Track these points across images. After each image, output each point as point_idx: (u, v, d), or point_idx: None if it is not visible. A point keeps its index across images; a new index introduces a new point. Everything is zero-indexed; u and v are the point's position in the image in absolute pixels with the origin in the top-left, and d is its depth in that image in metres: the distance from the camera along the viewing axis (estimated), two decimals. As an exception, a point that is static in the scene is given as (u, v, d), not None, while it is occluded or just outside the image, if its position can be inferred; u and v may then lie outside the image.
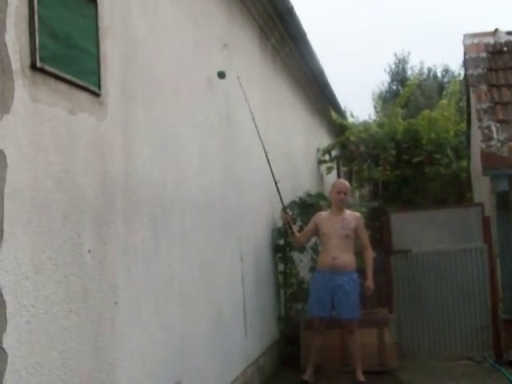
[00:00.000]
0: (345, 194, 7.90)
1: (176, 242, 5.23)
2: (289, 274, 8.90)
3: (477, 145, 9.50)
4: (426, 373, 8.07)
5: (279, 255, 8.76)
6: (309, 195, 9.09)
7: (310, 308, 8.03)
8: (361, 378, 7.65)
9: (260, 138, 7.35)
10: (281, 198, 7.85)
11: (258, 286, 7.78)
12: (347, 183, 8.17)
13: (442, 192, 13.38)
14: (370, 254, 7.96)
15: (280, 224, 8.75)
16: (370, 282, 7.81)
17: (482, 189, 9.82)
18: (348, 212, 7.97)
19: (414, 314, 9.13)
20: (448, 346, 9.06)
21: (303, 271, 9.08)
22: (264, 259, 8.27)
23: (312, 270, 8.81)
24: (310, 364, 7.87)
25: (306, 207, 8.84)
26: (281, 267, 8.87)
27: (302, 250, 8.69)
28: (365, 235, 8.02)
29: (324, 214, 8.07)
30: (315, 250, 8.90)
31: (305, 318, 8.61)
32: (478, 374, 8.08)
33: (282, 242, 8.74)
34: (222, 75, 6.34)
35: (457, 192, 13.57)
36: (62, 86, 3.59)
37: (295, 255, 8.86)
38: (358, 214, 8.08)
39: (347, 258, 7.75)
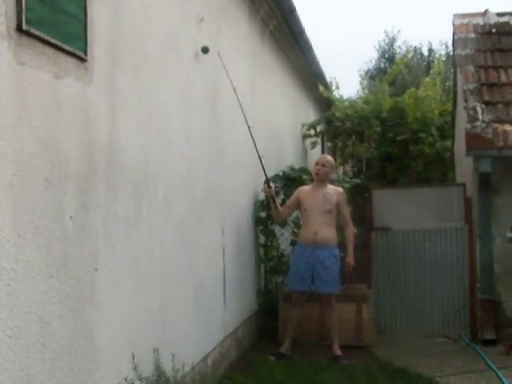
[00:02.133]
0: (322, 165, 7.88)
1: (158, 210, 5.23)
2: (269, 247, 8.92)
3: (461, 125, 9.52)
4: (403, 349, 8.15)
5: (260, 228, 8.77)
6: (292, 169, 9.09)
7: (289, 281, 8.07)
8: (337, 352, 7.72)
9: (242, 110, 7.31)
10: (265, 172, 7.86)
11: (238, 258, 7.80)
12: (329, 157, 8.16)
13: (426, 171, 13.45)
14: (350, 230, 7.99)
15: (262, 197, 8.77)
16: (350, 258, 7.85)
17: (465, 169, 9.86)
18: (330, 187, 7.98)
19: (392, 291, 9.20)
20: (425, 324, 9.16)
21: (284, 244, 9.11)
22: (245, 232, 8.28)
23: (293, 243, 8.85)
24: (287, 337, 7.93)
25: (290, 181, 8.84)
26: (262, 240, 8.89)
27: (283, 224, 8.70)
28: (346, 211, 8.03)
29: (306, 188, 8.07)
30: (296, 224, 8.91)
31: (284, 291, 8.66)
32: (453, 351, 8.19)
33: (263, 214, 8.75)
34: (205, 50, 6.31)
35: (440, 171, 13.64)
36: (48, 50, 3.55)
37: (276, 228, 8.87)
38: (340, 189, 8.07)
39: (328, 233, 7.77)
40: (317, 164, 7.91)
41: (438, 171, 13.67)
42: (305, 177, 8.89)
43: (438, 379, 6.87)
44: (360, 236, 8.84)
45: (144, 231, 4.91)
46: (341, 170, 14.15)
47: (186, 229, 5.91)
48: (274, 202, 7.94)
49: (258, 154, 7.66)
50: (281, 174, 8.94)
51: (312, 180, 8.49)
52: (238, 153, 7.87)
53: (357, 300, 8.38)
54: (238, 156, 7.91)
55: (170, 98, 5.57)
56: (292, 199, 8.04)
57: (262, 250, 8.90)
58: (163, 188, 5.34)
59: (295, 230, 8.91)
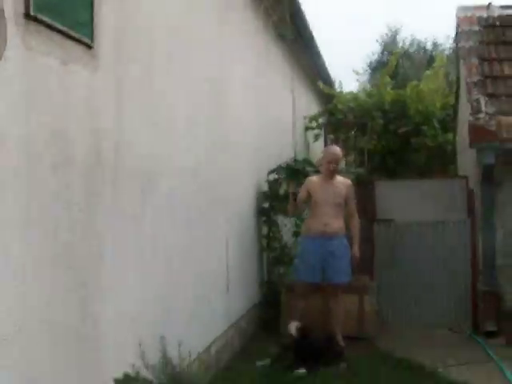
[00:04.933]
0: (335, 163, 7.86)
1: (162, 201, 5.23)
2: (272, 238, 8.93)
3: (464, 118, 9.52)
4: (404, 341, 8.15)
5: (263, 219, 8.78)
6: (295, 161, 9.10)
7: (298, 273, 7.93)
8: (341, 342, 7.72)
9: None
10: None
11: (241, 249, 7.81)
12: (338, 151, 8.03)
13: (427, 164, 13.44)
14: (356, 222, 7.99)
15: (265, 188, 8.77)
16: (356, 251, 7.85)
17: (467, 162, 9.85)
18: (339, 179, 7.91)
19: (394, 283, 9.20)
20: (427, 316, 9.15)
21: (286, 235, 9.11)
22: (248, 223, 8.30)
23: (296, 234, 8.86)
24: (293, 320, 7.90)
25: (293, 172, 8.84)
26: (264, 231, 8.89)
27: (299, 215, 8.71)
28: (353, 203, 8.00)
29: (315, 179, 7.96)
30: (299, 216, 8.93)
31: (286, 282, 8.66)
32: (455, 343, 8.21)
33: (266, 205, 8.76)
34: None
35: (441, 165, 13.63)
36: (55, 36, 3.55)
37: (279, 219, 8.88)
38: (349, 182, 8.02)
39: (338, 224, 7.77)
40: (330, 163, 7.80)
41: (439, 164, 13.66)
42: (308, 168, 8.89)
43: (440, 370, 6.88)
44: (362, 228, 8.80)
45: (148, 222, 4.92)
46: (343, 161, 14.13)
47: (190, 220, 5.92)
48: (295, 199, 7.89)
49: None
50: (284, 165, 8.93)
51: (316, 172, 8.51)
52: (241, 144, 7.87)
53: (359, 291, 8.37)
54: (242, 147, 7.91)
55: (175, 90, 5.57)
56: (304, 192, 7.89)
57: (264, 241, 8.90)
58: (168, 177, 5.35)
59: (297, 221, 8.91)
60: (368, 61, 32.36)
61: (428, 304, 9.16)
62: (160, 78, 5.20)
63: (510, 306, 8.58)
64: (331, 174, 7.82)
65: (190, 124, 5.99)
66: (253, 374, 6.60)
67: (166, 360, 3.87)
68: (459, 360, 7.38)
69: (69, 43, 3.70)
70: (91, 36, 3.96)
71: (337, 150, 8.14)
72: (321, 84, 13.67)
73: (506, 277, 8.65)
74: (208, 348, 6.36)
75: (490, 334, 8.36)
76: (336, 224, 7.74)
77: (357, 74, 26.53)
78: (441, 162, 13.61)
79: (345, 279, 7.82)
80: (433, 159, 13.47)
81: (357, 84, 27.58)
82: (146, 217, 4.88)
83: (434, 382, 6.58)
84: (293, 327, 7.15)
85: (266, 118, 9.20)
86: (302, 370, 6.81)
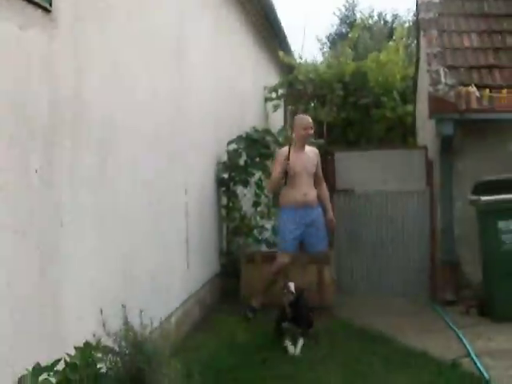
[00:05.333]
0: (311, 128, 7.82)
1: (123, 168, 5.17)
2: (232, 208, 8.90)
3: (424, 89, 9.56)
4: (363, 310, 8.21)
5: (223, 189, 8.74)
6: (255, 131, 9.04)
7: (282, 245, 7.87)
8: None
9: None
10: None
11: (201, 219, 7.77)
12: (310, 118, 8.05)
13: (387, 136, 13.48)
14: (325, 189, 8.04)
15: (225, 158, 8.72)
16: (331, 217, 7.93)
17: (427, 133, 9.91)
18: (308, 148, 7.88)
19: (354, 253, 9.26)
20: (386, 285, 9.24)
21: (246, 206, 9.09)
22: (208, 193, 8.26)
23: (255, 204, 8.86)
24: (259, 293, 7.93)
25: (252, 142, 8.80)
26: (224, 201, 8.86)
27: (245, 184, 8.68)
28: (320, 170, 8.04)
29: (287, 150, 7.79)
30: (259, 186, 8.92)
31: (246, 252, 8.68)
32: (414, 311, 8.33)
33: (226, 176, 8.72)
34: None
35: (401, 136, 13.69)
36: (14, 1, 3.47)
37: (239, 190, 8.85)
38: (316, 150, 8.01)
39: (314, 193, 7.81)
40: (306, 128, 7.73)
41: (398, 136, 13.72)
42: (268, 138, 8.86)
43: (398, 338, 6.94)
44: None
45: (108, 188, 4.87)
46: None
47: (150, 188, 5.87)
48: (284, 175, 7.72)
49: None
50: (244, 135, 8.88)
51: (275, 142, 8.52)
52: (202, 114, 7.81)
53: (318, 262, 8.39)
54: (202, 117, 7.85)
55: (135, 55, 5.49)
56: (282, 164, 7.71)
57: (224, 211, 8.87)
58: (128, 146, 5.29)
59: (257, 191, 8.91)
60: (327, 33, 32.35)
61: (388, 274, 9.25)
62: (119, 38, 5.12)
63: (467, 276, 8.71)
64: (306, 141, 7.79)
65: (151, 92, 5.92)
66: (214, 343, 6.60)
67: (127, 328, 3.83)
68: (418, 328, 7.47)
69: (27, 7, 3.61)
70: (49, 0, 3.88)
71: (307, 116, 8.19)
72: (281, 54, 13.60)
73: (464, 247, 8.76)
74: (168, 318, 6.33)
75: (448, 303, 8.48)
76: (313, 193, 7.80)
77: (321, 43, 26.54)
78: (401, 134, 13.67)
79: (325, 247, 7.96)
80: (393, 131, 13.52)
81: (320, 55, 27.58)
82: (106, 182, 4.83)
83: (392, 349, 6.65)
84: (292, 286, 6.92)
85: (226, 88, 9.14)
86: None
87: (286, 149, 7.87)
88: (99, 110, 4.68)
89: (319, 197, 7.91)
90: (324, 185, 8.03)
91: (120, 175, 5.10)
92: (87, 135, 4.47)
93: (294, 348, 6.62)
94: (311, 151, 7.90)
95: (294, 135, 7.90)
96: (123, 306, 3.82)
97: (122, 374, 3.81)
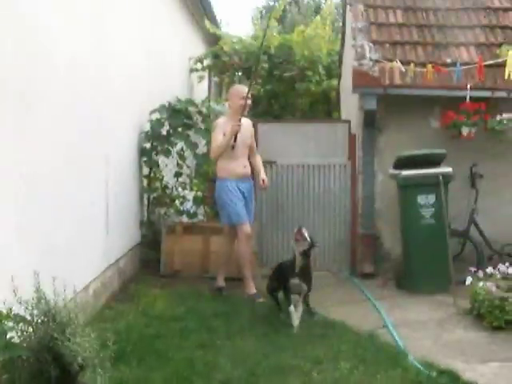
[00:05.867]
0: (248, 99, 7.71)
1: (38, 134, 5.02)
2: (153, 179, 8.77)
3: (349, 63, 9.60)
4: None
5: (144, 159, 8.60)
6: (178, 100, 8.90)
7: (234, 216, 7.70)
8: (253, 290, 7.73)
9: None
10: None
11: (121, 189, 7.63)
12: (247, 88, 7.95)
13: (311, 109, 13.54)
14: (259, 158, 8.04)
15: (147, 128, 8.58)
16: (264, 175, 7.91)
17: (350, 107, 9.96)
18: (244, 120, 7.75)
19: (275, 225, 9.26)
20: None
21: (168, 176, 8.98)
22: (129, 162, 8.11)
23: (177, 175, 8.77)
24: (220, 271, 7.92)
25: (175, 112, 8.68)
26: (145, 171, 8.72)
27: (167, 154, 8.58)
28: (254, 142, 8.04)
29: (224, 121, 7.75)
30: (181, 156, 8.81)
31: (166, 222, 8.61)
32: (333, 284, 8.48)
33: (147, 145, 8.58)
34: None
35: (325, 110, 13.77)
36: None
37: (160, 160, 8.73)
38: (250, 121, 7.98)
39: (249, 166, 7.83)
40: (243, 98, 7.63)
41: (323, 110, 13.79)
42: (190, 108, 8.75)
43: (318, 309, 6.99)
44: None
45: (26, 151, 4.72)
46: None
47: (69, 155, 5.72)
48: (235, 139, 7.61)
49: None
50: (166, 104, 8.75)
51: (200, 112, 8.47)
52: (124, 82, 7.64)
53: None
54: (125, 85, 7.68)
55: (55, 17, 5.32)
56: (219, 134, 7.62)
57: (145, 181, 8.74)
58: (45, 110, 5.14)
59: (179, 161, 8.81)
60: (259, 5, 32.23)
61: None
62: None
63: (386, 249, 8.85)
64: (244, 112, 7.70)
65: (69, 56, 5.76)
66: (133, 313, 6.52)
67: (39, 295, 3.73)
68: (337, 300, 7.55)
69: None
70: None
71: (244, 86, 8.22)
72: (207, 24, 13.43)
73: (383, 220, 8.89)
74: (86, 288, 6.24)
75: (367, 276, 8.60)
76: (249, 165, 7.82)
77: (251, 17, 26.34)
78: (326, 108, 13.74)
79: (253, 220, 8.01)
80: (317, 105, 13.58)
81: (251, 28, 27.43)
82: (24, 144, 4.68)
83: (312, 321, 6.69)
84: (306, 232, 6.60)
85: (151, 57, 8.96)
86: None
87: (222, 120, 7.84)
88: (18, 67, 4.54)
89: (255, 167, 7.92)
90: (258, 155, 8.05)
91: (37, 140, 4.95)
92: (3, 92, 4.32)
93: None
94: (246, 122, 7.84)
95: (229, 106, 7.83)
96: (35, 274, 3.71)
97: (33, 344, 3.72)
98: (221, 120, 7.87)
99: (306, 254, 6.55)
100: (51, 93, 5.26)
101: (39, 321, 3.74)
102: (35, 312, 3.72)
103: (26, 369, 3.66)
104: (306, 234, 6.54)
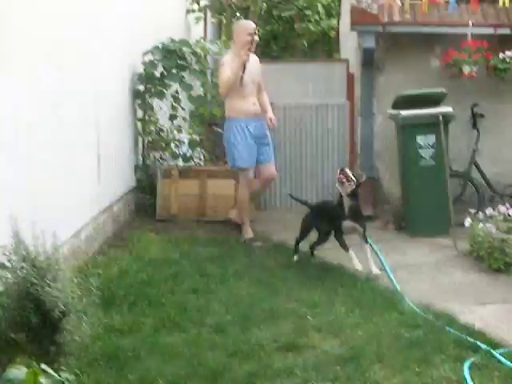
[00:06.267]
0: (255, 34, 7.49)
1: (22, 78, 4.85)
2: (147, 122, 8.57)
3: (348, 2, 9.36)
4: (282, 225, 8.08)
5: (138, 102, 8.40)
6: (172, 41, 8.65)
7: (238, 160, 7.58)
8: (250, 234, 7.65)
9: None
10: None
11: (113, 132, 7.45)
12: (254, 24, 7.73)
13: (312, 50, 13.33)
14: (267, 97, 7.84)
15: (141, 70, 8.36)
16: (271, 114, 7.73)
17: (349, 47, 9.75)
18: (251, 55, 7.54)
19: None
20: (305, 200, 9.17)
21: (163, 119, 8.79)
22: (122, 105, 7.92)
23: (172, 117, 8.58)
24: (245, 222, 7.72)
25: (169, 53, 8.43)
26: (140, 114, 8.53)
27: (161, 97, 8.37)
28: (261, 79, 7.80)
29: (229, 58, 7.50)
30: (176, 98, 8.61)
31: (163, 167, 8.45)
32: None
33: (141, 88, 8.38)
34: None
35: (326, 51, 13.56)
36: None
37: (155, 102, 8.53)
38: (257, 58, 7.78)
39: (258, 104, 7.63)
40: (250, 34, 7.40)
41: (323, 50, 13.58)
42: (185, 49, 8.51)
43: (315, 252, 6.88)
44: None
45: (6, 94, 4.55)
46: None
47: (56, 96, 5.54)
48: (243, 70, 7.38)
49: None
50: (160, 45, 8.50)
51: (194, 53, 8.25)
52: (116, 18, 7.40)
53: (236, 176, 8.23)
54: (116, 22, 7.44)
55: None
56: (236, 71, 7.34)
57: (139, 125, 8.55)
58: (29, 55, 4.95)
59: (174, 104, 8.61)
60: None
61: (306, 188, 9.18)
62: None
63: (386, 192, 8.72)
64: (251, 48, 7.47)
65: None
66: (126, 259, 6.41)
67: (17, 240, 3.60)
68: (334, 242, 7.41)
69: None
70: None
71: (250, 21, 7.93)
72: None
73: (383, 162, 8.74)
74: (77, 233, 6.12)
75: (367, 218, 8.44)
76: (259, 103, 7.62)
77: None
78: (326, 49, 13.52)
79: (274, 158, 7.87)
80: (318, 45, 13.36)
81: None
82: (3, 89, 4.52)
83: (309, 264, 6.61)
84: (350, 172, 6.42)
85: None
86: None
87: (228, 56, 7.60)
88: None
89: (262, 106, 7.73)
90: (265, 93, 7.84)
91: (19, 86, 4.78)
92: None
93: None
94: (254, 59, 7.63)
95: (235, 43, 7.58)
96: (11, 217, 3.58)
97: (13, 290, 3.61)
98: (227, 57, 7.67)
99: (354, 194, 6.38)
100: (35, 28, 5.06)
101: (19, 267, 3.61)
102: (13, 257, 3.60)
103: (5, 316, 3.55)
104: (351, 174, 6.36)
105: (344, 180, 6.33)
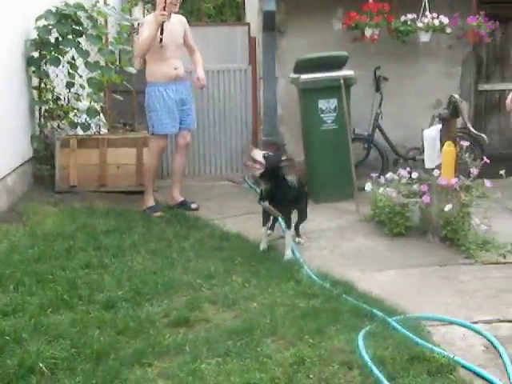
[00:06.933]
0: None
1: None
2: (44, 90, 8.23)
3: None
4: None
5: (33, 69, 8.03)
6: (66, 5, 8.26)
7: (158, 126, 7.30)
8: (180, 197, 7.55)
9: None
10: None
11: (6, 101, 7.14)
12: None
13: (220, 15, 13.12)
14: (199, 56, 7.59)
15: (34, 35, 8.00)
16: (201, 73, 7.49)
17: (251, 10, 9.57)
18: (174, 16, 7.28)
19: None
20: (209, 168, 9.05)
21: (59, 87, 8.45)
22: (15, 72, 7.57)
23: (69, 85, 8.26)
24: (148, 191, 7.47)
25: (64, 17, 8.05)
26: (35, 82, 8.18)
27: (57, 63, 8.02)
28: (191, 39, 7.54)
29: (150, 18, 7.21)
30: (73, 65, 8.28)
31: (61, 137, 8.15)
32: (235, 194, 8.23)
33: (36, 54, 8.02)
34: None
35: (235, 15, 13.36)
36: None
37: (50, 70, 8.17)
38: (183, 18, 7.51)
39: (182, 67, 7.37)
40: None
41: (232, 15, 13.38)
42: (80, 13, 8.14)
43: (216, 221, 6.75)
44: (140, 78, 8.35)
45: None
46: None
47: None
48: (162, 32, 7.04)
49: None
50: (54, 9, 8.12)
51: (90, 17, 7.95)
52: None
53: (137, 144, 8.04)
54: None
55: None
56: (152, 31, 6.99)
57: (35, 93, 8.20)
58: None
59: (71, 71, 8.28)
60: None
61: (210, 156, 9.06)
62: None
63: (290, 156, 8.58)
64: (173, 9, 7.19)
65: None
66: (19, 234, 6.15)
67: None
68: (237, 210, 7.33)
69: None
70: None
71: None
72: None
73: (286, 127, 8.67)
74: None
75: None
76: (182, 67, 7.37)
77: None
78: (235, 13, 13.33)
79: (195, 124, 7.72)
80: (226, 10, 13.15)
81: None
82: None
83: (207, 234, 6.48)
84: (257, 154, 5.83)
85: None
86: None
87: (150, 16, 7.34)
88: None
89: (194, 63, 7.54)
90: (197, 53, 7.59)
91: None
92: None
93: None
94: (178, 20, 7.37)
95: (157, 3, 7.24)
96: None
97: None
98: (148, 17, 7.44)
99: (271, 177, 5.84)
100: None
101: None
102: None
103: None
104: (258, 156, 5.77)
105: (249, 163, 5.91)
